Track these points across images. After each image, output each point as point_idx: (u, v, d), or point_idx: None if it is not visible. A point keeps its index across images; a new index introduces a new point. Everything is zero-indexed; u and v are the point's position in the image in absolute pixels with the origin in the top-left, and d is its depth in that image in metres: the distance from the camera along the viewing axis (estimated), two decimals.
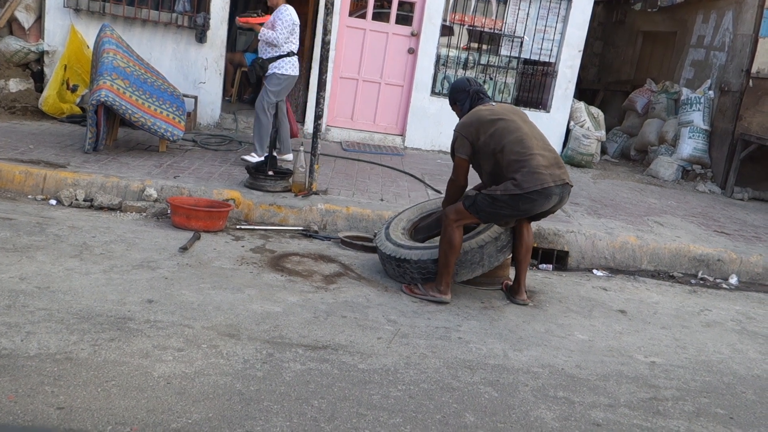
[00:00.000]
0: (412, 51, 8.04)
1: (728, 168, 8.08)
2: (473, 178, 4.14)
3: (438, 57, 8.09)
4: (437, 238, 4.42)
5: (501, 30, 8.22)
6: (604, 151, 9.55)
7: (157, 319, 3.22)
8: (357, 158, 7.14)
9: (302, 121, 7.99)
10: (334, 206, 5.20)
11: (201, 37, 7.50)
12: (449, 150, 8.36)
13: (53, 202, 4.89)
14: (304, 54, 8.00)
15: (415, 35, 8.01)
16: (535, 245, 5.04)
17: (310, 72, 7.83)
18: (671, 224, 6.03)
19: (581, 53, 8.28)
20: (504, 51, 8.28)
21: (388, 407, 2.73)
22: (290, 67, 6.01)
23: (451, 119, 7.96)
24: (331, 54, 7.52)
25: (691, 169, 8.45)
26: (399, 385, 2.92)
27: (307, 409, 2.64)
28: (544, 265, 5.11)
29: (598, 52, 12.37)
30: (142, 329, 3.09)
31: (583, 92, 11.09)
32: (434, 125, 8.15)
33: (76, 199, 4.89)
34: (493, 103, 4.15)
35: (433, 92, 8.15)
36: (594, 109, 8.90)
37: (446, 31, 8.14)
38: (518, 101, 8.38)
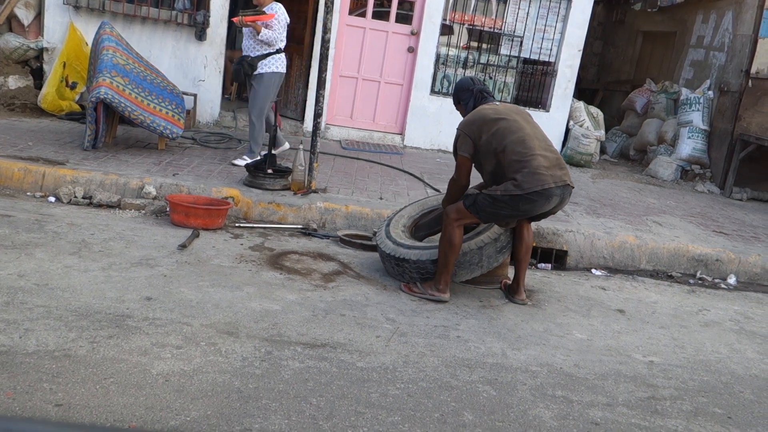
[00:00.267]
0: (411, 50, 8.04)
1: (727, 168, 8.09)
2: (475, 178, 4.14)
3: (438, 56, 8.09)
4: (438, 236, 4.42)
5: (501, 29, 8.22)
6: (603, 151, 9.55)
7: (156, 316, 3.22)
8: (356, 157, 7.14)
9: (301, 119, 7.99)
10: (333, 204, 5.20)
11: (201, 35, 7.49)
12: (445, 150, 8.40)
13: (52, 199, 4.89)
14: (304, 52, 8.00)
15: (415, 34, 8.00)
16: (534, 244, 5.04)
17: (309, 70, 7.83)
18: (670, 224, 6.03)
19: (581, 53, 8.28)
20: (504, 50, 8.28)
21: (387, 405, 2.73)
22: (281, 64, 5.98)
23: (451, 118, 8.01)
24: (331, 52, 7.51)
25: (690, 169, 8.45)
26: (397, 384, 2.92)
27: (306, 407, 2.63)
28: (543, 265, 5.12)
29: (597, 51, 12.38)
30: (140, 327, 3.09)
31: (583, 92, 11.10)
32: (434, 124, 8.15)
33: (75, 197, 4.89)
34: (497, 103, 4.14)
35: (433, 91, 8.15)
36: (593, 109, 8.90)
37: (446, 30, 8.14)
38: (518, 100, 8.38)
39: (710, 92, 8.59)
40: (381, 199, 5.56)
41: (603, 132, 8.77)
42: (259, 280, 3.90)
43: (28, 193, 4.95)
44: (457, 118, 8.29)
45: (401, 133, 8.22)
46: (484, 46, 8.36)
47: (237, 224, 4.90)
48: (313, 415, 2.58)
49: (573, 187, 3.94)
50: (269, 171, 5.34)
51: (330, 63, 7.57)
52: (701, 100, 8.51)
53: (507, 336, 3.63)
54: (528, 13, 8.16)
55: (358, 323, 3.50)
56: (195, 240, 4.42)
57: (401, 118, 8.23)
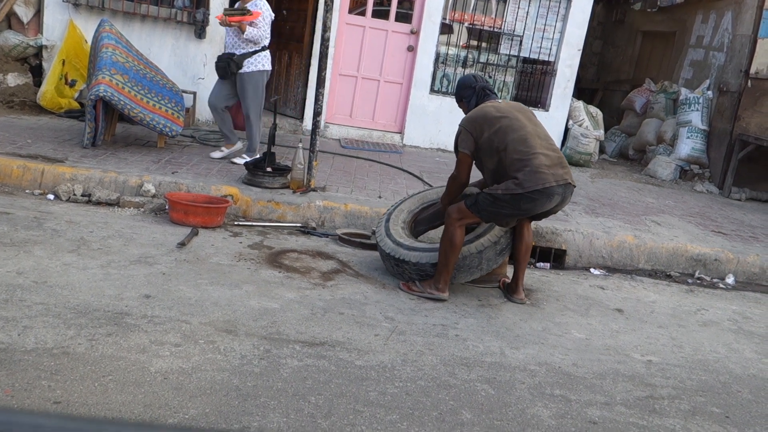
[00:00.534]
0: (411, 49, 8.04)
1: (726, 168, 8.09)
2: (474, 176, 4.14)
3: (437, 55, 8.09)
4: (437, 232, 4.42)
5: (500, 28, 8.22)
6: (602, 151, 9.56)
7: (155, 314, 3.22)
8: (355, 155, 7.14)
9: (301, 117, 7.99)
10: (332, 203, 5.20)
11: (200, 33, 7.49)
12: (444, 149, 8.40)
13: (51, 196, 4.89)
14: (303, 50, 7.99)
15: (415, 33, 8.00)
16: (533, 244, 5.04)
17: (309, 69, 7.82)
18: (669, 224, 6.04)
19: (580, 52, 8.29)
20: (503, 49, 8.28)
21: (385, 404, 2.73)
22: (267, 62, 5.91)
23: (450, 117, 8.01)
24: (331, 51, 7.51)
25: (689, 169, 8.46)
26: (396, 382, 2.92)
27: (304, 405, 2.64)
28: (542, 264, 5.12)
29: (597, 51, 12.38)
30: (139, 324, 3.09)
31: (582, 91, 11.11)
32: (433, 123, 8.15)
33: (74, 194, 4.89)
34: (500, 101, 4.13)
35: (432, 90, 8.15)
36: (593, 109, 8.90)
37: (446, 29, 8.14)
38: (517, 100, 8.38)
39: (709, 92, 8.60)
40: (380, 197, 5.56)
41: (602, 131, 8.77)
42: (258, 279, 3.90)
43: (27, 191, 4.95)
44: (457, 117, 8.29)
45: (400, 132, 8.22)
46: (484, 45, 8.36)
47: (236, 222, 4.90)
48: (311, 414, 2.58)
49: (575, 186, 3.94)
50: (268, 169, 5.34)
51: (329, 61, 7.57)
52: (700, 100, 8.51)
53: (505, 335, 3.63)
54: (528, 12, 8.16)
55: (356, 322, 3.50)
56: (194, 238, 4.42)
57: (401, 117, 8.23)
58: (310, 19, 7.92)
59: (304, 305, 3.61)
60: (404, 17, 8.06)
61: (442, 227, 4.29)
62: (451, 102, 8.05)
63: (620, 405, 3.03)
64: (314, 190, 5.40)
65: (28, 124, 6.37)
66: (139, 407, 2.45)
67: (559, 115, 8.32)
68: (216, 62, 5.89)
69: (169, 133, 5.93)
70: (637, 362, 3.53)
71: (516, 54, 8.29)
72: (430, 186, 6.21)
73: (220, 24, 5.73)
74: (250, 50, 5.78)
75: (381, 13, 8.03)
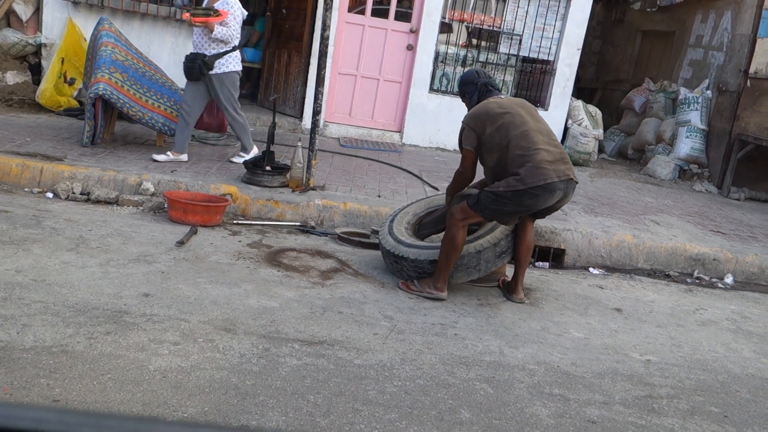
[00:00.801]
0: (410, 47, 8.04)
1: (725, 168, 8.09)
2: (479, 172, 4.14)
3: (437, 54, 8.08)
4: (442, 236, 4.43)
5: (500, 27, 8.22)
6: (601, 150, 9.56)
7: (154, 312, 3.22)
8: (355, 154, 7.14)
9: (300, 116, 7.99)
10: (331, 202, 5.20)
11: None
12: (444, 148, 8.40)
13: (50, 195, 4.88)
14: (303, 49, 7.99)
15: (414, 32, 8.00)
16: None
17: (308, 67, 7.82)
18: (668, 223, 6.04)
19: (580, 51, 8.29)
20: (503, 48, 8.28)
21: (384, 403, 2.73)
22: (237, 62, 5.73)
23: (449, 116, 8.02)
24: (330, 50, 7.50)
25: (688, 168, 8.46)
26: (395, 381, 2.92)
27: (303, 403, 2.64)
28: (541, 263, 5.12)
29: (596, 50, 12.38)
30: (138, 323, 3.09)
31: (582, 91, 11.10)
32: (432, 122, 8.14)
33: (73, 193, 4.88)
34: (502, 96, 4.13)
35: (432, 89, 8.14)
36: (592, 108, 8.90)
37: (445, 28, 8.14)
38: None
39: (709, 92, 8.60)
40: (379, 196, 5.56)
41: (601, 131, 8.77)
42: (257, 277, 3.90)
43: (26, 189, 4.95)
44: (456, 116, 8.29)
45: (400, 131, 8.21)
46: (483, 44, 8.36)
47: (235, 221, 4.90)
48: (310, 412, 2.58)
49: (577, 182, 3.93)
50: (267, 168, 5.34)
51: (329, 60, 7.56)
52: (700, 100, 8.52)
53: (504, 334, 3.63)
54: (527, 11, 8.15)
55: (355, 321, 3.50)
56: (193, 237, 4.42)
57: (400, 116, 8.22)
58: (310, 18, 7.91)
59: (303, 304, 3.61)
60: (404, 16, 8.05)
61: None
62: (450, 101, 8.05)
63: (619, 404, 3.03)
64: (313, 188, 5.40)
65: (27, 123, 6.36)
66: (137, 406, 2.45)
67: (559, 114, 8.32)
68: (184, 62, 5.64)
69: (169, 132, 5.92)
70: (636, 362, 3.53)
71: (515, 53, 8.29)
72: (429, 184, 6.21)
73: (189, 23, 5.52)
74: (221, 50, 5.58)
75: (380, 12, 8.03)
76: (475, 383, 3.02)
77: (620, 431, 2.80)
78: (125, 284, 3.50)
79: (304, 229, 4.95)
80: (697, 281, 5.18)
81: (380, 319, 3.57)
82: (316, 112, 5.35)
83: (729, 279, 5.24)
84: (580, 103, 8.71)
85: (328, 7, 5.24)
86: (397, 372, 3.01)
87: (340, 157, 6.91)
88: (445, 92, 8.15)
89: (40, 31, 7.29)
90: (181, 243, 4.23)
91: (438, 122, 8.12)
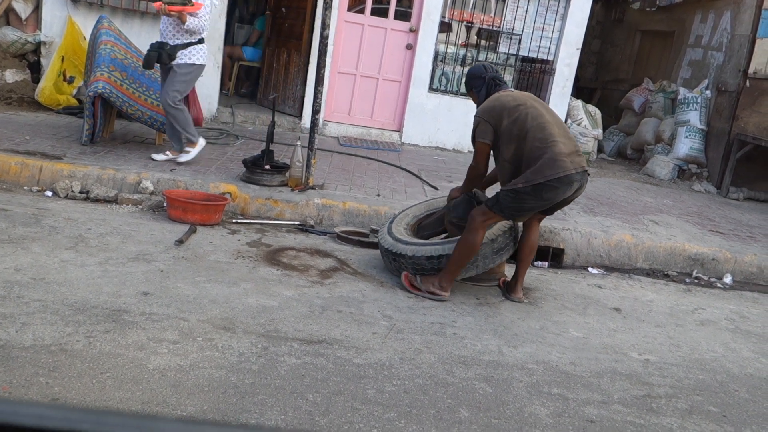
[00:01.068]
0: (410, 47, 8.04)
1: (724, 168, 8.10)
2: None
3: (436, 53, 8.08)
4: (440, 236, 4.43)
5: (499, 27, 8.22)
6: (600, 150, 9.57)
7: (153, 311, 3.22)
8: (354, 153, 7.14)
9: (299, 115, 7.98)
10: (330, 201, 5.20)
11: None
12: (443, 147, 8.39)
13: (49, 193, 4.88)
14: (302, 48, 7.99)
15: (414, 31, 8.00)
16: None
17: (308, 66, 7.82)
18: (667, 223, 6.05)
19: (579, 51, 8.29)
20: (502, 48, 8.28)
21: (383, 402, 2.74)
22: (202, 55, 5.46)
23: (449, 116, 8.02)
24: (329, 49, 7.50)
25: (687, 168, 8.47)
26: (394, 380, 2.93)
27: (302, 402, 2.64)
28: (540, 263, 5.12)
29: (596, 50, 12.38)
30: (137, 321, 3.09)
31: (581, 90, 11.11)
32: (432, 121, 8.14)
33: (72, 191, 4.88)
34: (512, 90, 4.15)
35: (431, 88, 8.14)
36: (591, 108, 8.91)
37: (445, 27, 8.14)
38: None
39: (708, 92, 8.60)
40: (378, 196, 5.56)
41: (600, 131, 8.77)
42: (256, 276, 3.90)
43: (25, 188, 4.94)
44: (455, 116, 8.29)
45: (399, 130, 8.21)
46: (483, 43, 8.36)
47: (234, 220, 4.90)
48: (309, 411, 2.58)
49: (589, 174, 3.96)
50: (267, 167, 5.34)
51: (328, 59, 7.55)
52: (699, 100, 8.52)
53: (503, 333, 3.64)
54: (527, 11, 8.15)
55: (354, 320, 3.50)
56: (192, 235, 4.42)
57: (399, 115, 8.22)
58: (309, 17, 7.91)
59: (302, 303, 3.61)
60: (403, 15, 8.05)
61: (448, 232, 4.31)
62: (449, 100, 8.06)
63: (617, 404, 3.03)
64: (312, 188, 5.40)
65: (26, 121, 6.36)
66: (136, 404, 2.46)
67: (558, 113, 8.29)
68: (147, 50, 5.39)
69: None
70: (635, 361, 3.53)
71: (515, 53, 8.29)
72: (429, 184, 6.22)
73: (159, 13, 5.25)
74: (185, 41, 5.32)
75: (380, 11, 8.02)
76: (474, 382, 3.02)
77: (619, 430, 2.81)
78: (124, 283, 3.50)
79: (304, 228, 4.95)
80: (695, 281, 5.19)
81: (379, 318, 3.57)
82: (316, 111, 5.35)
83: (728, 279, 5.25)
84: (579, 102, 8.71)
85: (327, 6, 5.23)
86: (396, 371, 3.01)
87: (340, 156, 6.91)
88: (444, 92, 8.15)
89: (40, 29, 7.29)
90: (180, 242, 4.23)
91: (437, 121, 8.12)
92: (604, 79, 11.92)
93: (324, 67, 5.29)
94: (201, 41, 5.42)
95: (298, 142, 5.46)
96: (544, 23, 8.21)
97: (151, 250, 4.05)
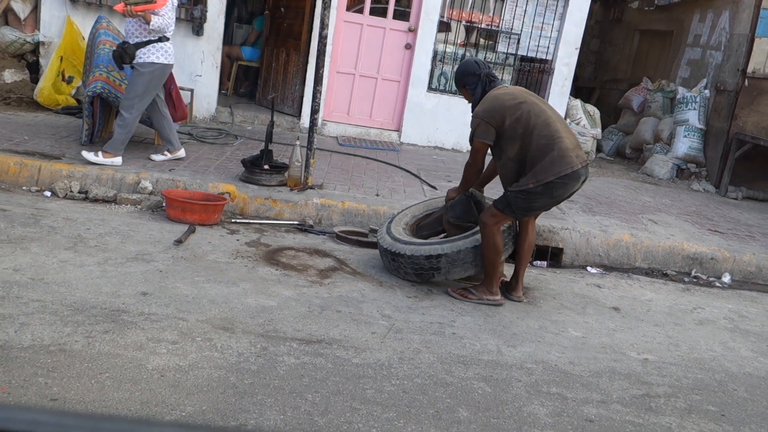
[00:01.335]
0: (409, 46, 8.04)
1: (723, 167, 8.10)
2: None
3: (435, 53, 8.08)
4: (440, 236, 4.44)
5: (498, 27, 8.22)
6: (599, 149, 9.57)
7: (152, 311, 3.22)
8: (353, 153, 7.13)
9: (298, 115, 7.98)
10: (329, 201, 5.20)
11: (198, 30, 7.48)
12: (442, 147, 8.38)
13: (48, 193, 4.88)
14: (301, 48, 7.98)
15: (413, 31, 8.00)
16: None
17: (306, 66, 7.82)
18: (665, 222, 6.05)
19: (578, 51, 8.29)
20: (501, 48, 8.28)
21: (382, 402, 2.74)
22: (163, 54, 5.22)
23: (448, 115, 8.02)
24: (328, 48, 7.50)
25: (686, 167, 8.47)
26: (393, 380, 2.93)
27: (301, 402, 2.64)
28: (539, 262, 5.12)
29: (594, 49, 12.39)
30: (136, 322, 3.09)
31: (580, 90, 11.11)
32: (430, 121, 8.14)
33: (71, 191, 4.88)
34: (506, 85, 4.15)
35: (430, 88, 8.14)
36: (590, 107, 8.91)
37: (443, 27, 8.14)
38: None
39: (706, 91, 8.61)
40: (377, 195, 5.56)
41: (599, 130, 8.78)
42: (255, 276, 3.90)
43: (24, 188, 4.94)
44: (454, 115, 8.27)
45: (398, 130, 8.21)
46: (482, 43, 8.36)
47: (233, 220, 4.90)
48: (308, 411, 2.59)
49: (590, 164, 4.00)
50: (266, 167, 5.34)
51: (327, 59, 7.54)
52: (697, 99, 8.53)
53: (502, 333, 3.64)
54: (525, 10, 8.16)
55: (353, 319, 3.50)
56: (191, 235, 4.42)
57: (398, 115, 8.22)
58: (308, 17, 7.91)
59: (301, 303, 3.61)
60: (402, 15, 8.05)
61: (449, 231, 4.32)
62: (448, 100, 8.05)
63: (616, 403, 3.04)
64: (311, 187, 5.40)
65: (25, 121, 6.35)
66: (135, 404, 2.46)
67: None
68: (113, 52, 5.26)
69: None
70: (634, 360, 3.54)
71: (514, 52, 8.29)
72: (428, 183, 6.22)
73: (123, 14, 5.11)
74: (144, 39, 5.16)
75: (379, 11, 8.02)
76: (473, 382, 3.03)
77: (618, 430, 2.81)
78: (123, 283, 3.50)
79: (303, 228, 4.95)
80: (694, 280, 5.19)
81: (378, 318, 3.57)
82: (315, 111, 5.35)
83: (726, 278, 5.25)
84: (578, 102, 8.71)
85: (326, 5, 5.23)
86: (395, 371, 3.01)
87: (339, 156, 6.91)
88: (443, 91, 8.15)
89: (38, 30, 7.28)
90: (179, 242, 4.23)
91: (436, 121, 8.12)
92: (603, 79, 11.92)
93: (323, 66, 5.29)
94: (163, 39, 5.24)
95: (297, 142, 5.46)
96: (542, 23, 8.22)
97: (150, 250, 4.05)
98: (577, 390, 3.11)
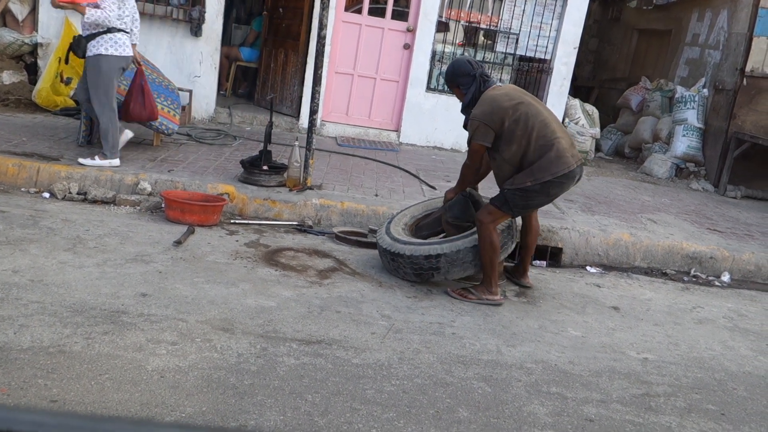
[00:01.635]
0: (407, 47, 8.04)
1: (722, 166, 8.11)
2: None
3: (433, 53, 8.08)
4: (439, 236, 4.44)
5: (497, 26, 8.22)
6: (598, 149, 9.57)
7: (151, 312, 3.22)
8: (352, 153, 7.13)
9: (297, 115, 7.98)
10: (328, 201, 5.19)
11: (196, 31, 7.47)
12: (441, 147, 8.39)
13: (46, 195, 4.87)
14: (300, 48, 7.98)
15: (411, 31, 8.00)
16: None
17: (305, 66, 7.81)
18: (664, 222, 6.05)
19: (576, 50, 8.29)
20: (500, 47, 8.28)
21: (382, 402, 2.74)
22: (111, 45, 5.04)
23: (446, 115, 8.02)
24: (327, 49, 7.49)
25: (685, 167, 8.47)
26: (392, 380, 2.93)
27: (301, 403, 2.64)
28: (538, 262, 5.12)
29: (593, 49, 12.39)
30: (135, 323, 3.09)
31: (578, 89, 11.12)
32: (429, 121, 8.14)
33: (70, 192, 4.88)
34: (500, 84, 4.18)
35: (429, 88, 8.14)
36: (589, 107, 8.91)
37: (442, 27, 8.14)
38: None
39: (705, 90, 8.61)
40: (377, 196, 5.56)
41: (598, 129, 8.78)
42: (255, 277, 3.90)
43: (23, 189, 4.94)
44: (454, 115, 8.26)
45: (397, 130, 8.21)
46: (480, 43, 8.36)
47: (232, 221, 4.90)
48: (308, 412, 2.58)
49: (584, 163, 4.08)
50: (265, 167, 5.34)
51: (326, 59, 7.54)
52: (696, 98, 8.53)
53: (502, 333, 3.64)
54: (524, 10, 8.16)
55: (353, 320, 3.50)
56: (190, 236, 4.41)
57: (397, 115, 8.22)
58: (306, 17, 7.91)
59: (300, 303, 3.61)
60: (400, 15, 8.05)
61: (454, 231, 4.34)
62: (447, 100, 8.05)
63: (616, 402, 3.04)
64: (311, 188, 5.40)
65: (24, 122, 6.35)
66: (135, 406, 2.45)
67: (555, 112, 8.26)
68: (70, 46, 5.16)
69: (166, 131, 5.92)
70: (633, 360, 3.54)
71: (512, 52, 8.29)
72: (427, 184, 6.22)
73: (53, 6, 4.99)
74: (94, 32, 5.02)
75: (377, 11, 8.02)
76: (473, 382, 3.03)
77: (618, 429, 2.81)
78: (122, 284, 3.50)
79: (302, 229, 4.95)
80: (693, 279, 5.19)
81: (378, 319, 3.57)
82: (313, 111, 5.35)
83: (726, 277, 5.25)
84: (577, 101, 8.72)
85: (324, 6, 5.23)
86: (395, 371, 3.01)
87: (338, 157, 6.90)
88: (442, 91, 8.14)
89: (36, 31, 7.27)
90: (178, 243, 4.23)
91: (435, 121, 8.12)
92: (602, 78, 11.93)
93: (321, 67, 5.29)
94: (113, 30, 5.04)
95: (296, 143, 5.46)
96: (541, 22, 8.22)
97: (150, 251, 4.05)
98: (577, 389, 3.11)
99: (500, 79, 8.33)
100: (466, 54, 8.23)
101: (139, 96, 5.42)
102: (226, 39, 9.02)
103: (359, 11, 7.94)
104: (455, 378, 3.04)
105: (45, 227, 4.18)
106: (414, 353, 3.22)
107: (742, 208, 7.41)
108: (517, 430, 2.70)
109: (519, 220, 4.39)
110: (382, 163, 6.88)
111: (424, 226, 4.57)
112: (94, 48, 5.04)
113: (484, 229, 3.94)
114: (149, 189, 5.02)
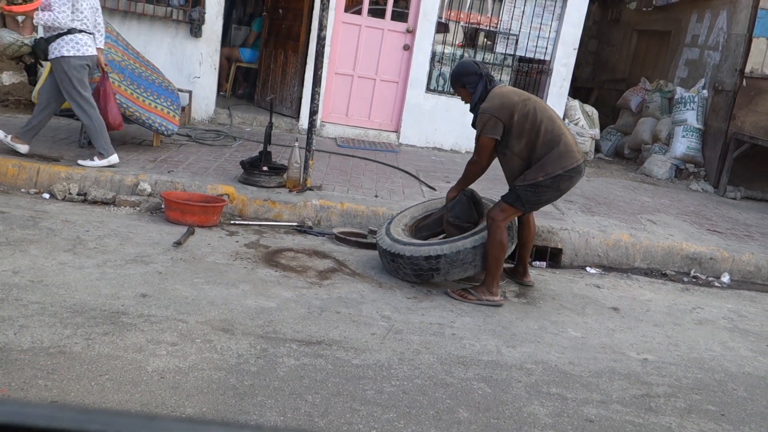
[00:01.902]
0: (407, 47, 8.04)
1: (721, 167, 8.11)
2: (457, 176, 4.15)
3: (433, 54, 8.08)
4: (439, 237, 4.44)
5: (496, 27, 8.22)
6: (598, 150, 9.57)
7: (151, 313, 3.22)
8: (352, 154, 7.13)
9: (297, 116, 7.98)
10: (328, 202, 5.20)
11: (196, 32, 7.48)
12: (440, 148, 8.39)
13: (46, 195, 4.87)
14: (299, 49, 7.99)
15: (411, 32, 8.00)
16: None
17: (305, 67, 7.82)
18: (664, 222, 6.05)
19: (576, 51, 8.30)
20: (499, 48, 8.29)
21: (382, 402, 2.74)
22: (72, 47, 4.95)
23: (446, 116, 8.02)
24: (327, 50, 7.49)
25: (685, 167, 8.48)
26: (393, 381, 2.93)
27: (301, 404, 2.64)
28: (538, 263, 5.13)
29: (592, 50, 12.40)
30: (135, 323, 3.09)
31: (578, 90, 11.12)
32: (429, 122, 8.14)
33: (70, 193, 4.88)
34: (503, 84, 4.25)
35: (428, 89, 8.14)
36: (588, 107, 8.92)
37: (442, 28, 8.14)
38: None
39: (705, 91, 8.62)
40: (376, 196, 5.56)
41: (598, 130, 8.78)
42: (255, 278, 3.90)
43: (23, 190, 4.94)
44: (453, 116, 8.27)
45: (396, 131, 8.21)
46: (480, 44, 8.37)
47: (232, 221, 4.90)
48: (308, 412, 2.58)
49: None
50: (265, 168, 5.34)
51: (325, 60, 7.54)
52: (696, 99, 8.53)
53: (502, 333, 3.64)
54: (523, 11, 8.16)
55: (353, 320, 3.50)
56: (190, 237, 4.42)
57: (396, 116, 8.22)
58: (306, 18, 7.91)
59: (300, 304, 3.61)
60: (400, 16, 8.06)
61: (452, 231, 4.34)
62: (447, 101, 8.05)
63: (616, 403, 3.04)
64: (310, 189, 5.40)
65: (23, 123, 6.33)
66: (135, 406, 2.45)
67: None
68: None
69: (165, 132, 5.92)
70: (633, 360, 3.54)
71: (512, 53, 8.29)
72: (426, 184, 6.22)
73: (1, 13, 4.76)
74: (53, 34, 4.96)
75: (377, 12, 8.03)
76: (473, 383, 3.03)
77: (618, 430, 2.81)
78: (123, 285, 3.50)
79: (302, 230, 4.95)
80: (693, 280, 5.20)
81: (378, 319, 3.57)
82: (313, 112, 5.35)
83: (725, 278, 5.26)
84: (576, 102, 8.72)
85: (324, 7, 5.24)
86: (395, 372, 3.01)
87: (337, 157, 6.91)
88: (441, 92, 8.15)
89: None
90: (178, 243, 4.23)
91: (435, 122, 8.12)
92: (601, 79, 11.93)
93: (321, 68, 5.30)
94: (73, 31, 4.96)
95: (296, 144, 5.46)
96: (540, 23, 8.22)
97: (150, 251, 4.05)
98: (577, 390, 3.11)
99: (500, 79, 8.34)
100: (466, 55, 8.24)
101: (97, 102, 5.21)
102: (226, 40, 9.02)
103: (359, 12, 7.95)
104: (455, 379, 3.04)
105: (45, 228, 4.18)
106: (414, 354, 3.22)
107: (742, 208, 7.42)
108: (517, 430, 2.70)
109: (516, 220, 4.39)
110: (381, 164, 6.88)
111: (424, 227, 4.57)
112: (56, 50, 4.96)
113: (496, 227, 3.96)
114: (149, 190, 5.02)
